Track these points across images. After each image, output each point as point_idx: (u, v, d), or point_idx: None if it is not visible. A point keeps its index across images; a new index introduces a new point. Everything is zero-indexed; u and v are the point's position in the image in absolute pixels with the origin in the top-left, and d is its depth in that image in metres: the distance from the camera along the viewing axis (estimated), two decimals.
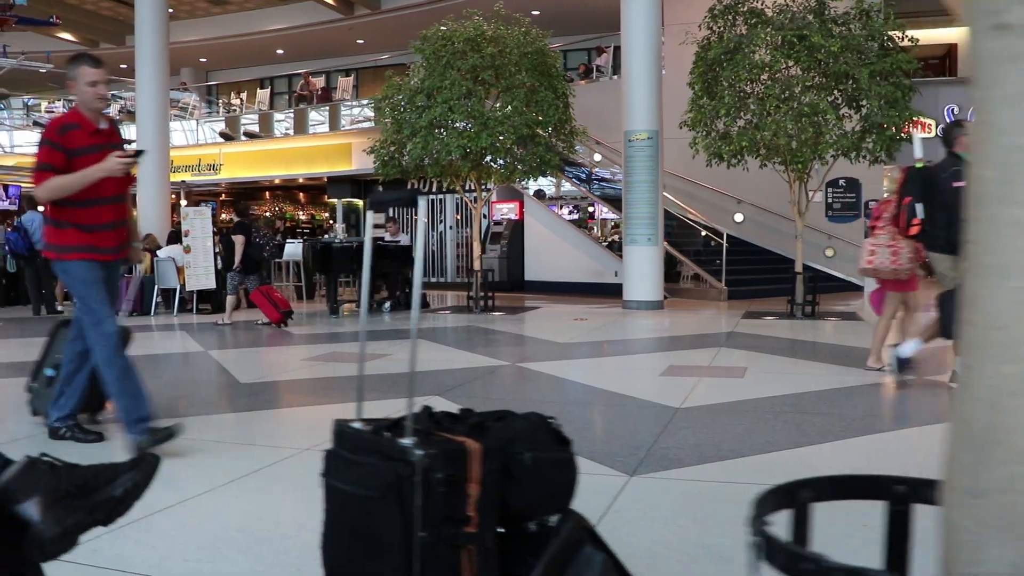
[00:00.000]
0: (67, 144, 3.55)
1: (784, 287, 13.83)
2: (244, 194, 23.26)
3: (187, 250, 10.86)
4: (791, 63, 8.80)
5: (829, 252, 14.81)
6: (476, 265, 11.03)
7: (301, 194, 23.93)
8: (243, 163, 19.89)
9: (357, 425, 1.66)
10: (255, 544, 2.48)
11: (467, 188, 16.96)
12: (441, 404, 4.43)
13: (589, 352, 7.17)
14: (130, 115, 20.50)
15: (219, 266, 10.37)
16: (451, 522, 1.50)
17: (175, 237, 13.81)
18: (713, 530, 2.59)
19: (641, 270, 10.92)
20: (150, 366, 6.43)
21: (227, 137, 20.39)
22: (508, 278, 14.81)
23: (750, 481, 3.04)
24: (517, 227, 15.14)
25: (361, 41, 20.91)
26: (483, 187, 11.19)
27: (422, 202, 1.93)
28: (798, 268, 10.11)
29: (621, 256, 14.82)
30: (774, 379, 5.50)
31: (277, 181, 21.27)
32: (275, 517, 2.77)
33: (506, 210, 15.45)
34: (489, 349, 7.31)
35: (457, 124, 9.75)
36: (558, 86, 10.24)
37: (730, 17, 9.56)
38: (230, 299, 9.68)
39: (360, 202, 19.45)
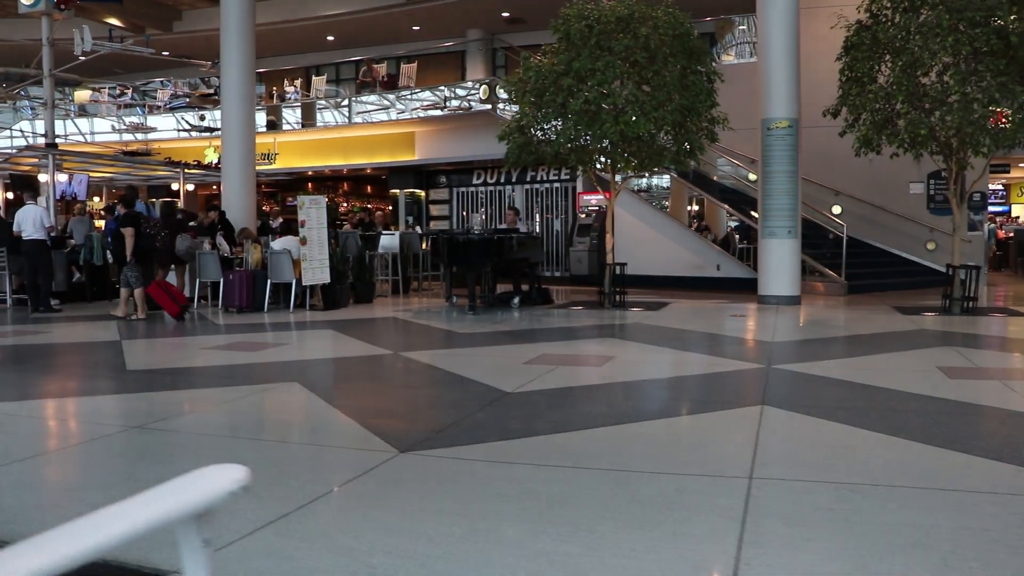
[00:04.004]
0: None
1: (896, 281, 13.49)
2: (288, 185, 22.60)
3: (303, 242, 10.28)
4: (974, 47, 8.34)
5: (931, 245, 14.47)
6: (609, 259, 10.53)
7: (345, 184, 23.29)
8: (299, 152, 19.25)
9: None
10: None
11: (563, 175, 16.49)
12: (776, 415, 3.99)
13: (836, 352, 6.66)
14: (204, 99, 19.83)
15: (109, 259, 9.98)
16: None
17: (263, 229, 13.22)
18: None
19: (779, 264, 10.49)
20: (373, 377, 5.93)
21: (272, 125, 19.75)
22: (599, 271, 14.30)
23: None
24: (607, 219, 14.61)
25: (417, 28, 20.27)
26: (625, 174, 10.64)
27: None
28: (955, 262, 9.68)
29: (724, 249, 14.41)
30: None
31: (327, 172, 20.62)
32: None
33: (594, 201, 14.92)
34: (714, 348, 6.86)
35: (604, 107, 9.22)
36: (709, 71, 9.73)
37: None
38: (138, 292, 9.28)
39: (423, 193, 18.84)
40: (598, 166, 10.78)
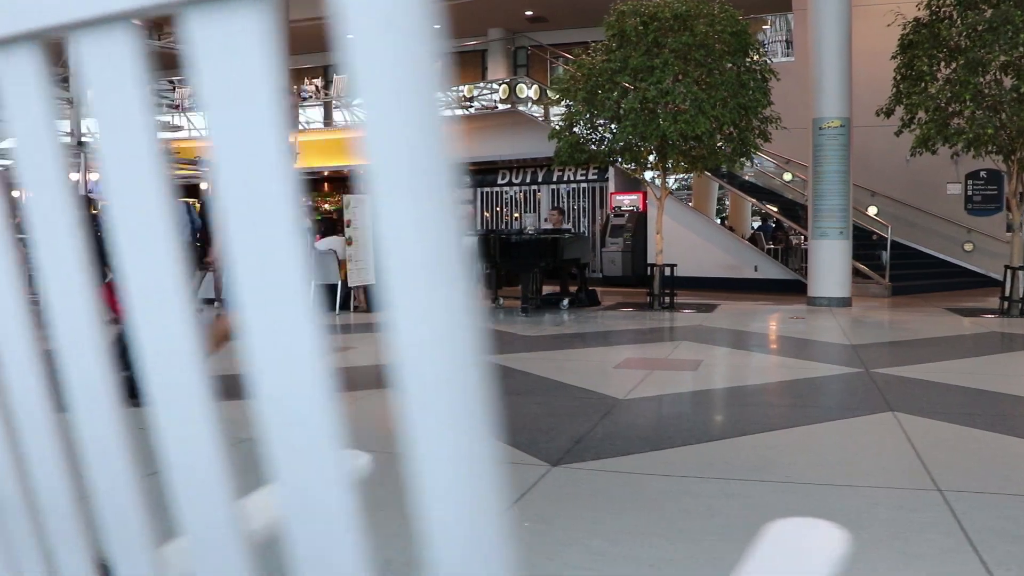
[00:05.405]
0: None
1: (935, 282, 13.37)
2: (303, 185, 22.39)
3: (349, 242, 10.09)
4: None
5: (968, 247, 14.36)
6: (658, 260, 10.38)
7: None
8: (318, 152, 19.06)
9: None
10: None
11: (591, 174, 16.30)
12: (914, 422, 3.85)
13: (923, 355, 6.49)
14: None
15: None
16: None
17: None
18: None
19: (830, 265, 10.36)
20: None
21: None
22: (632, 273, 14.16)
23: None
24: (640, 219, 14.47)
25: (436, 26, 20.07)
26: (677, 175, 10.50)
27: None
28: (1014, 263, 9.56)
29: (761, 249, 14.26)
30: None
31: (346, 172, 20.41)
32: None
33: (627, 202, 14.79)
34: (796, 351, 6.72)
35: (659, 106, 9.08)
36: (764, 70, 9.60)
37: None
38: None
39: None
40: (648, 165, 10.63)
